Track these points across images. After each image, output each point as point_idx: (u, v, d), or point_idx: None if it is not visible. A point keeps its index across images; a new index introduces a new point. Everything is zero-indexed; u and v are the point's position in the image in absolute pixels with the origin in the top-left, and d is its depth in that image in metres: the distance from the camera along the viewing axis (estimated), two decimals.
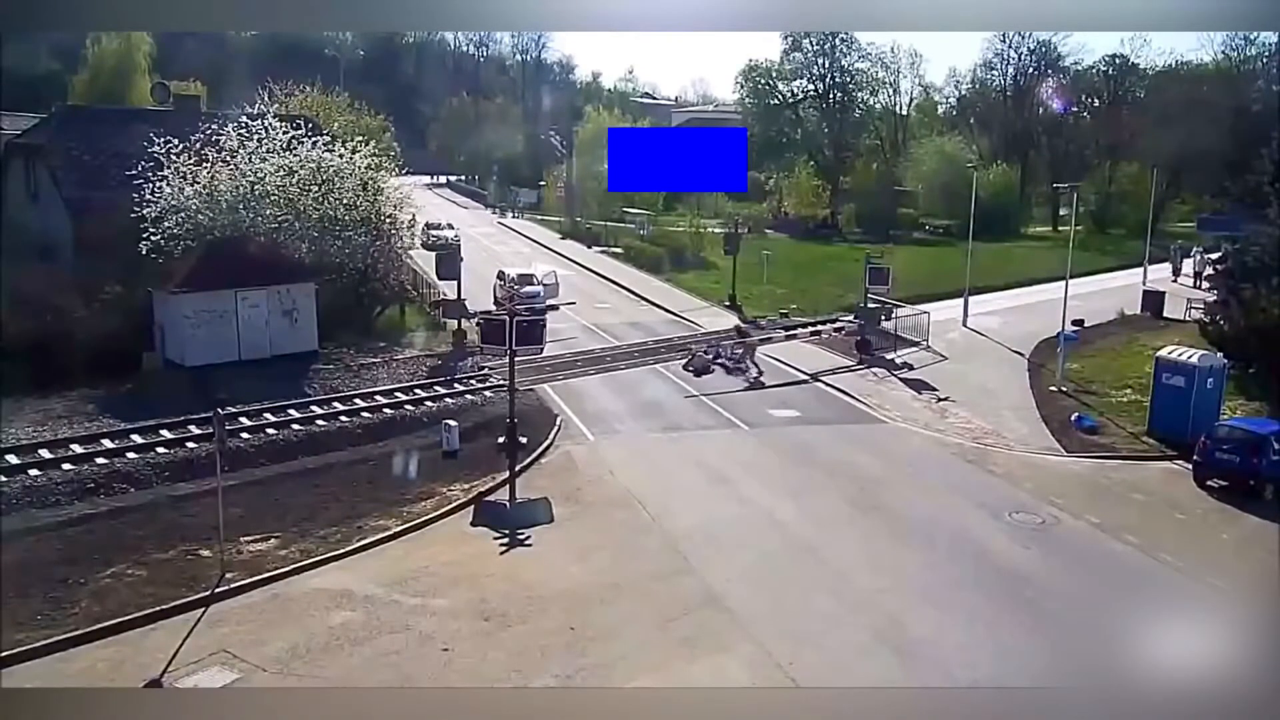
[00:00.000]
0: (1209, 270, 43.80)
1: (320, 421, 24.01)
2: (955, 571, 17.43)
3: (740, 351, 31.76)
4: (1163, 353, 26.37)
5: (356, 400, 25.64)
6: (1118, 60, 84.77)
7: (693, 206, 68.50)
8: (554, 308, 35.08)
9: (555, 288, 39.88)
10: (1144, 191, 62.14)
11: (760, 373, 30.52)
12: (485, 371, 28.71)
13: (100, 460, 20.50)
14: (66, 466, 20.12)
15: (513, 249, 56.36)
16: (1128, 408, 27.81)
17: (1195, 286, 46.59)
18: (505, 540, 18.16)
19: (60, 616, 14.64)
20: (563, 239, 61.66)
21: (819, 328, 37.30)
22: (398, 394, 26.40)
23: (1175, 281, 50.03)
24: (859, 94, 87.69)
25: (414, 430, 24.29)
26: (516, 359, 19.62)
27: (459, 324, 32.23)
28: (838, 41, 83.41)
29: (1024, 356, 33.79)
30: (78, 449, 20.90)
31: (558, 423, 24.97)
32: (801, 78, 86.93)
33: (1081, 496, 21.44)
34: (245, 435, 22.41)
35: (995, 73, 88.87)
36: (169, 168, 30.54)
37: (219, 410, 16.41)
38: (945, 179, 72.36)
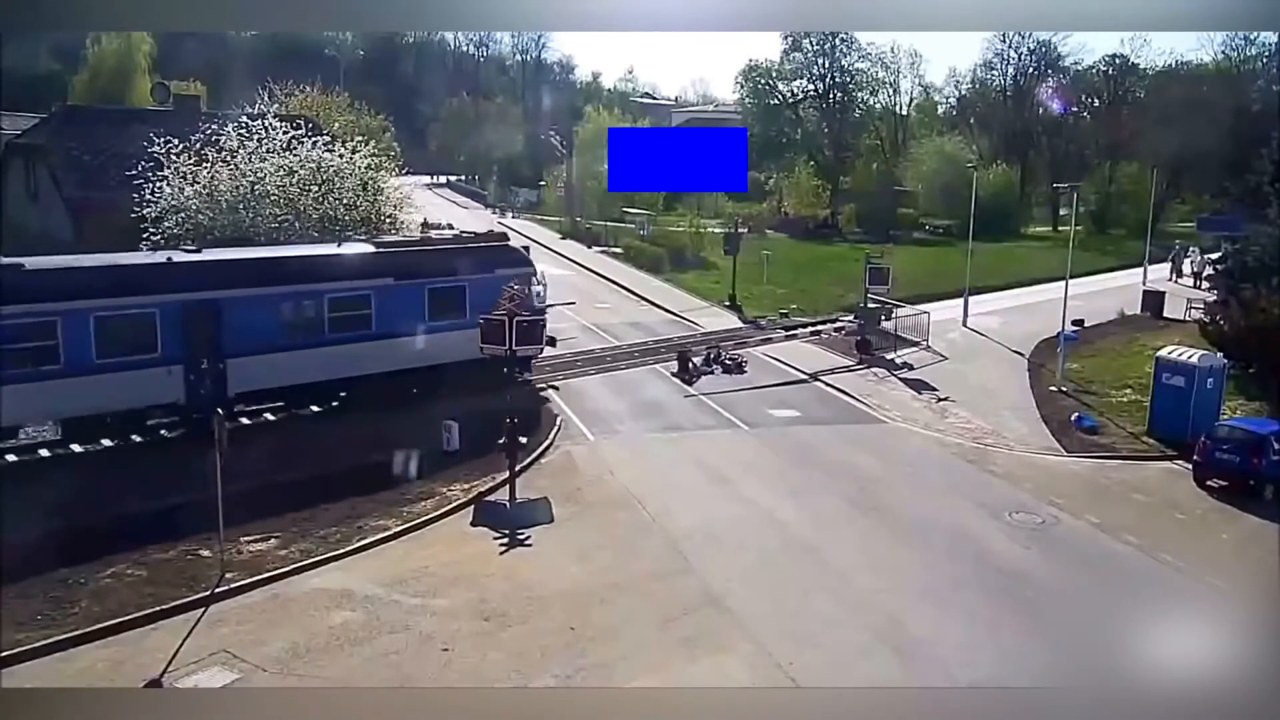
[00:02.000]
0: (1209, 270, 43.84)
1: None
2: (955, 571, 17.43)
3: (739, 355, 32.25)
4: (1163, 353, 26.37)
5: None
6: (1118, 60, 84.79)
7: (693, 206, 68.40)
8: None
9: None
10: (1144, 191, 62.11)
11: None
12: None
13: None
14: None
15: None
16: (1128, 408, 27.81)
17: (1195, 286, 46.61)
18: (505, 540, 18.15)
19: (60, 616, 14.61)
20: (563, 239, 61.62)
21: (819, 328, 37.37)
22: None
23: (1175, 282, 49.99)
24: (859, 94, 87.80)
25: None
26: None
27: None
28: (838, 41, 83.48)
29: (1024, 356, 33.77)
30: None
31: (558, 423, 24.96)
32: (801, 78, 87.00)
33: (1081, 496, 21.44)
34: None
35: (995, 73, 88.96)
36: (169, 168, 30.46)
37: (219, 411, 16.40)
38: (945, 179, 72.24)
